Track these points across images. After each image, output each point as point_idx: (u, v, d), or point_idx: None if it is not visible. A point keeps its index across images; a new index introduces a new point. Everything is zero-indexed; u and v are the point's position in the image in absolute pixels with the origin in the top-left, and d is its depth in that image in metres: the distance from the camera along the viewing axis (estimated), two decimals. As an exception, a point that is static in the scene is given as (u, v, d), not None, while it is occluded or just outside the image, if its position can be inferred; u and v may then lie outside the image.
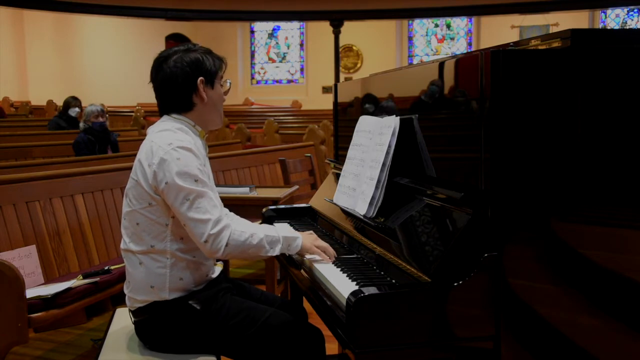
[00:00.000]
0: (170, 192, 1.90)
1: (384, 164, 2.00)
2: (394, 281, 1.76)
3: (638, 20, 15.80)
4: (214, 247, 1.92)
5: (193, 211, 1.90)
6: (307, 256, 2.10)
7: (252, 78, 19.79)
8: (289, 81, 19.49)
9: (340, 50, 14.57)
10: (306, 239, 2.07)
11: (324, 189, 2.74)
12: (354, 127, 2.36)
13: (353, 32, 15.98)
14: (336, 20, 13.70)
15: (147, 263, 1.98)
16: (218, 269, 2.16)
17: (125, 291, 2.08)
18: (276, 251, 2.02)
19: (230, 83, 2.15)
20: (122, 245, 2.06)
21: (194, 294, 2.02)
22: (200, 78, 2.02)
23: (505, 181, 1.57)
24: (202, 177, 1.94)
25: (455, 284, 1.53)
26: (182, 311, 1.99)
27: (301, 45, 19.27)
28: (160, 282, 1.98)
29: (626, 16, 16.06)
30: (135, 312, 2.06)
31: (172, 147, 1.91)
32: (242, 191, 3.87)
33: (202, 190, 1.92)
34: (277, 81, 19.63)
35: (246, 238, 1.96)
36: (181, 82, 2.01)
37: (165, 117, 2.07)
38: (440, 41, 18.09)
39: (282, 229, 2.11)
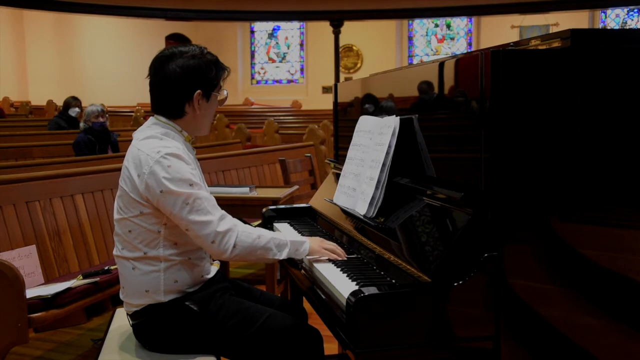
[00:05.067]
0: (168, 200, 1.88)
1: (384, 164, 2.00)
2: (394, 281, 1.76)
3: (638, 20, 15.80)
4: (221, 248, 1.90)
5: (194, 214, 1.88)
6: (308, 256, 2.09)
7: (252, 78, 19.79)
8: (289, 81, 19.49)
9: (340, 50, 14.56)
10: (313, 243, 2.06)
11: (324, 189, 2.74)
12: (354, 127, 2.36)
13: (353, 32, 15.98)
14: (336, 20, 13.70)
15: (140, 267, 1.97)
16: (214, 268, 2.15)
17: (121, 296, 2.07)
18: (283, 255, 2.00)
19: (227, 93, 2.11)
20: (114, 252, 2.05)
21: (190, 295, 2.01)
22: (198, 91, 1.97)
23: (505, 181, 1.57)
24: (196, 180, 1.92)
25: (455, 284, 1.53)
26: (179, 313, 1.98)
27: (301, 45, 19.27)
28: (154, 286, 1.97)
29: (626, 16, 16.06)
30: (132, 315, 2.05)
31: (160, 155, 1.88)
32: (242, 191, 3.87)
33: (199, 192, 1.90)
34: (277, 81, 19.63)
35: (254, 239, 1.94)
36: (178, 88, 1.97)
37: (151, 120, 2.03)
38: (440, 41, 18.09)
39: (289, 234, 2.09)
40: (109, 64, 17.01)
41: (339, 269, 1.94)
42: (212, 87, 2.02)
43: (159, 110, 2.03)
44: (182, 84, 1.97)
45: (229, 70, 2.11)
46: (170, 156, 1.89)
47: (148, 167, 1.88)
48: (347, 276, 1.84)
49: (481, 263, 1.54)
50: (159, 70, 1.99)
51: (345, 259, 2.03)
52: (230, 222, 1.94)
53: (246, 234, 1.94)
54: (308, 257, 2.08)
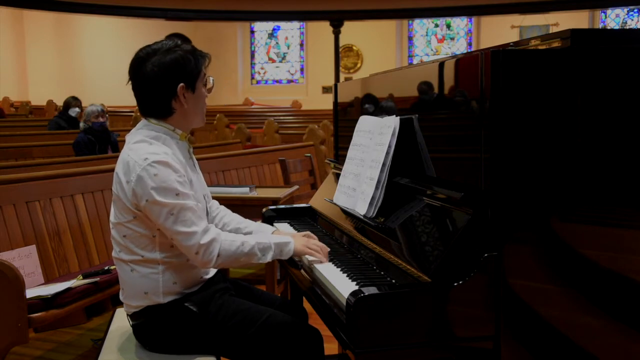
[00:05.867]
0: (153, 209, 1.86)
1: (384, 164, 2.00)
2: (394, 281, 1.76)
3: (638, 20, 15.80)
4: (205, 258, 1.91)
5: (179, 225, 1.87)
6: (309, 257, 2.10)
7: (252, 78, 19.78)
8: (289, 81, 19.48)
9: (340, 50, 14.56)
10: (298, 242, 2.06)
11: (324, 189, 2.74)
12: (354, 127, 2.36)
13: (353, 32, 15.97)
14: (336, 20, 13.69)
15: (139, 270, 1.97)
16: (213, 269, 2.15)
17: (121, 297, 2.07)
18: (268, 258, 2.01)
19: (213, 81, 2.07)
20: (113, 254, 2.05)
21: (190, 296, 2.01)
22: (181, 84, 1.94)
23: (505, 181, 1.57)
24: (183, 189, 1.89)
25: (455, 284, 1.53)
26: (178, 314, 1.98)
27: (301, 45, 19.26)
28: (153, 288, 1.96)
29: (626, 16, 16.06)
30: (132, 316, 2.05)
31: (147, 163, 1.86)
32: (242, 191, 3.87)
33: (185, 202, 1.88)
34: (277, 81, 19.62)
35: (237, 247, 1.95)
36: (159, 87, 1.93)
37: (143, 122, 2.01)
38: (440, 41, 18.09)
39: (274, 235, 2.10)
40: (109, 64, 16.99)
41: (339, 269, 1.94)
42: (194, 77, 1.97)
43: (147, 112, 2.00)
44: (162, 81, 1.93)
45: (210, 57, 2.05)
46: (158, 164, 1.86)
47: (135, 174, 1.87)
48: (347, 276, 1.84)
49: (481, 263, 1.54)
50: (137, 72, 1.95)
51: (327, 259, 2.03)
52: (213, 232, 1.93)
53: (229, 242, 1.94)
54: (306, 256, 2.08)
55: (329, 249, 2.08)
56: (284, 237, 2.09)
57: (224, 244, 1.93)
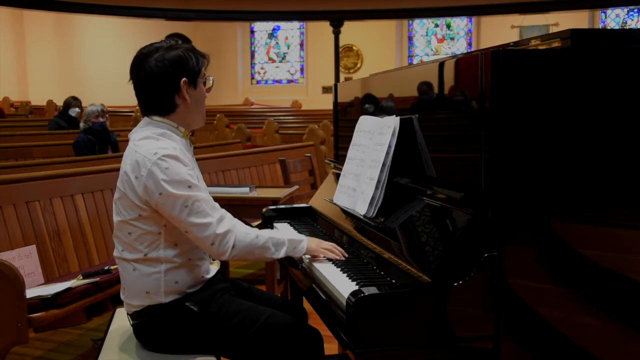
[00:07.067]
0: (167, 202, 1.87)
1: (384, 164, 2.00)
2: (394, 281, 1.76)
3: (638, 20, 15.80)
4: (221, 249, 1.91)
5: (194, 216, 1.88)
6: (308, 256, 2.10)
7: (252, 78, 19.78)
8: (289, 81, 19.48)
9: (340, 50, 14.56)
10: (311, 242, 2.07)
11: (324, 189, 2.74)
12: (354, 127, 2.36)
13: (353, 32, 15.97)
14: (336, 20, 13.70)
15: (141, 269, 1.97)
16: (214, 268, 2.15)
17: (122, 297, 2.07)
18: (281, 253, 2.01)
19: (213, 80, 2.09)
20: (115, 253, 2.05)
21: (191, 296, 2.01)
22: (184, 79, 1.96)
23: (505, 181, 1.57)
24: (194, 181, 1.91)
25: (456, 284, 1.53)
26: (179, 313, 1.98)
27: (301, 45, 19.26)
28: (155, 287, 1.97)
29: (626, 16, 16.05)
30: (132, 315, 2.05)
31: (158, 157, 1.87)
32: (242, 191, 3.87)
33: (197, 194, 1.90)
34: (277, 81, 19.62)
35: (252, 239, 1.95)
36: (163, 82, 1.95)
37: (146, 121, 2.02)
38: (440, 41, 18.08)
39: (287, 232, 2.10)
40: (109, 64, 16.98)
41: (339, 269, 1.94)
42: (195, 74, 2.00)
43: (150, 109, 2.01)
44: (167, 76, 1.95)
45: (209, 58, 2.08)
46: (168, 158, 1.88)
47: (146, 169, 1.87)
48: (347, 276, 1.84)
49: (481, 263, 1.54)
50: (141, 69, 1.97)
51: (344, 258, 2.04)
52: (228, 223, 1.94)
53: (244, 234, 1.95)
54: (306, 256, 2.08)
55: (343, 251, 2.07)
56: (297, 234, 2.10)
57: (239, 235, 1.93)
